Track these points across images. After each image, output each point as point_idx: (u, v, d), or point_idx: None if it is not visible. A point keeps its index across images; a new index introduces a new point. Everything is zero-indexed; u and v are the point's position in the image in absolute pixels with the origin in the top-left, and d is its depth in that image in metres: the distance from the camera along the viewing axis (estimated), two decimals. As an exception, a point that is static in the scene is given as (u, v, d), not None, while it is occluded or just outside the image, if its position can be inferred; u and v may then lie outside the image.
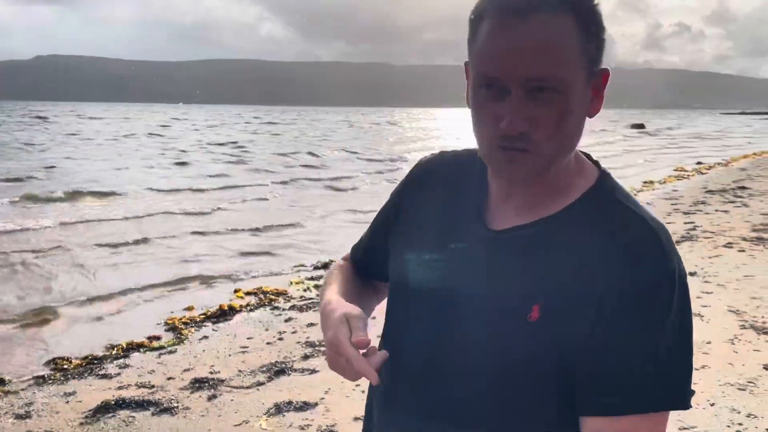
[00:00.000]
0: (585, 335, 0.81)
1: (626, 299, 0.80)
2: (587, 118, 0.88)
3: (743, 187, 13.48)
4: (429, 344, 0.92)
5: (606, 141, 34.39)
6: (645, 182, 15.04)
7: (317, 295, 6.25)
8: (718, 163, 20.72)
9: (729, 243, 7.72)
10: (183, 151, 26.42)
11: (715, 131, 52.13)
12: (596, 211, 0.87)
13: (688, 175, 16.84)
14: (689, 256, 7.04)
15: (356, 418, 3.58)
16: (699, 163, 20.74)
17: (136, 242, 8.85)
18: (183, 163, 21.32)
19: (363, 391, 3.93)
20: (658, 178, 15.83)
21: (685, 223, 9.20)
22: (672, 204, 11.13)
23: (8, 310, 5.87)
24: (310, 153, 26.21)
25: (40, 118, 61.59)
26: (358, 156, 25.62)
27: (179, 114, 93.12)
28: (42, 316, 5.73)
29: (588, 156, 0.96)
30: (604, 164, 0.96)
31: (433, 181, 1.03)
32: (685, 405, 0.84)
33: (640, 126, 58.03)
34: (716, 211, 10.36)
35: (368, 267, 1.15)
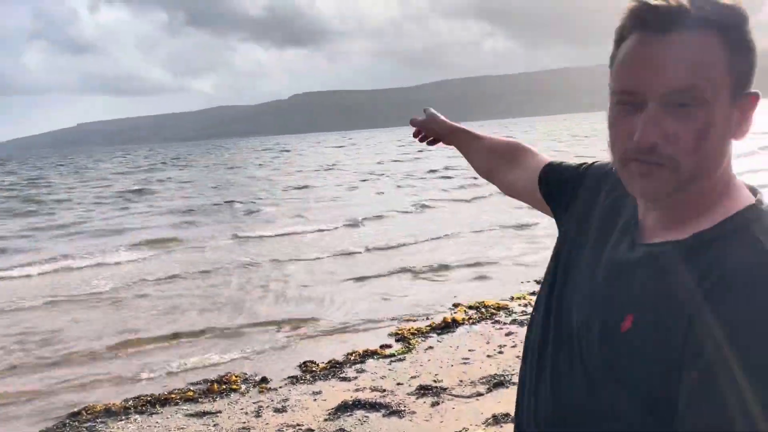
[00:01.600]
0: (673, 362, 0.77)
1: (705, 341, 0.73)
2: (733, 141, 0.85)
3: None
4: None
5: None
6: None
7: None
8: None
9: None
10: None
11: None
12: (717, 239, 0.81)
13: None
14: None
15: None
16: None
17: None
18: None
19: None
20: None
21: None
22: None
23: (269, 320, 6.88)
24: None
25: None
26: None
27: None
28: (294, 324, 6.62)
29: (751, 188, 0.90)
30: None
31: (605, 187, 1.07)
32: None
33: None
34: None
35: (543, 178, 1.24)
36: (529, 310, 6.31)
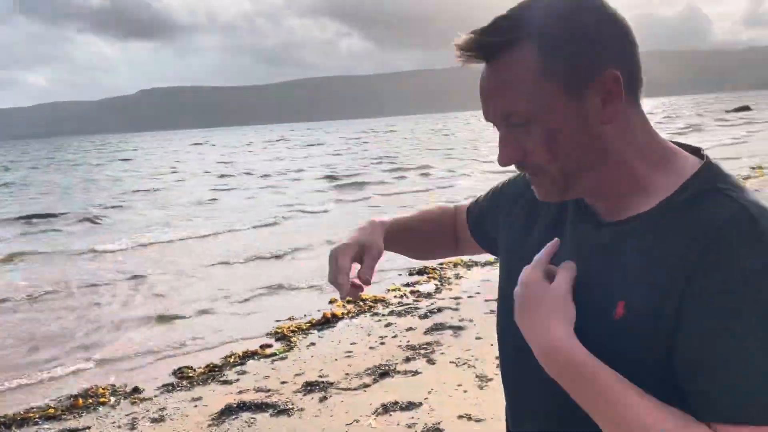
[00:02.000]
0: (670, 334, 0.77)
1: (710, 297, 0.74)
2: (622, 126, 0.85)
3: None
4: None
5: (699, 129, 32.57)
6: (753, 168, 14.19)
7: (414, 300, 6.44)
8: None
9: None
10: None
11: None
12: (689, 203, 0.82)
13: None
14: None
15: (460, 416, 3.71)
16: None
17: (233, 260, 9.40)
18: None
19: (465, 391, 4.07)
20: None
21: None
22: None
23: (137, 325, 6.44)
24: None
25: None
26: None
27: (286, 133, 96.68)
28: (163, 325, 6.26)
29: (693, 148, 0.91)
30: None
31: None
32: None
33: (745, 108, 54.32)
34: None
35: (476, 223, 1.24)
36: (405, 300, 6.47)
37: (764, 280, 0.73)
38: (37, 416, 4.34)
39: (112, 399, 4.58)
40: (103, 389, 4.73)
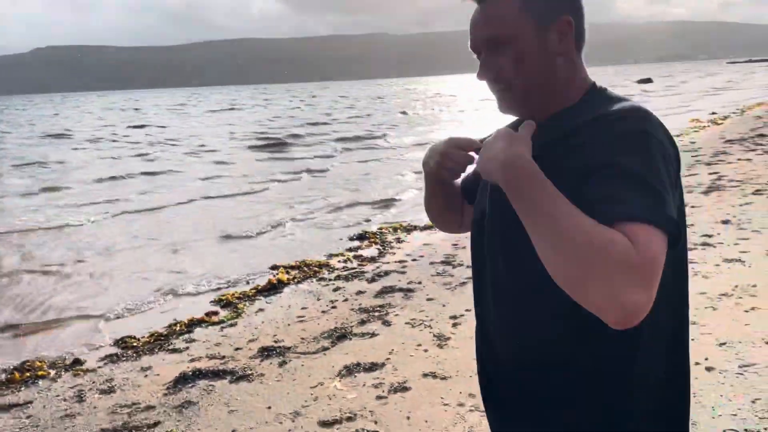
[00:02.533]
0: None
1: (611, 142, 1.03)
2: (569, 60, 1.15)
3: (762, 135, 13.45)
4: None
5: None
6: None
7: (359, 265, 6.42)
8: (733, 113, 20.59)
9: (758, 190, 7.79)
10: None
11: (727, 81, 51.40)
12: (593, 102, 1.14)
13: (704, 127, 16.78)
14: (720, 205, 7.13)
15: (425, 375, 3.76)
16: (713, 113, 20.62)
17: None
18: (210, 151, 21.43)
19: (426, 350, 4.12)
20: (674, 133, 15.80)
21: (710, 174, 9.26)
22: (693, 156, 11.17)
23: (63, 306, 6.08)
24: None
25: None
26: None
27: (192, 97, 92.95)
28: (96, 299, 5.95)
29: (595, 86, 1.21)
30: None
31: None
32: (667, 225, 0.95)
33: (647, 80, 57.35)
34: (739, 160, 10.40)
35: (465, 191, 1.45)
36: (350, 265, 6.45)
37: (642, 132, 1.04)
38: (-30, 393, 4.04)
39: (52, 372, 4.32)
40: (39, 362, 4.45)
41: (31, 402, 3.87)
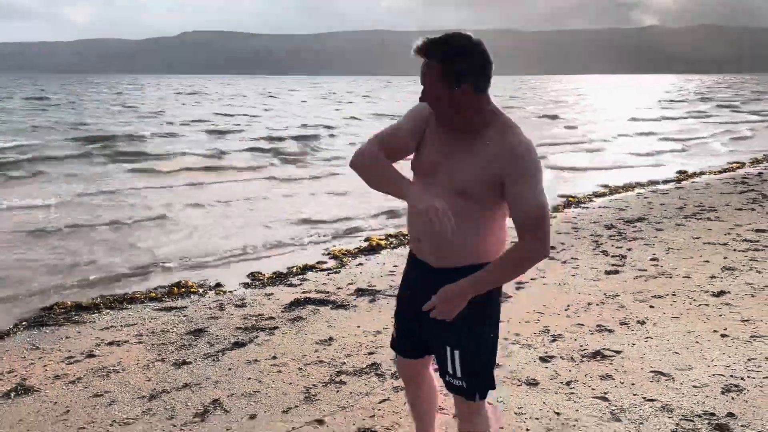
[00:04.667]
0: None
1: (514, 166, 1.95)
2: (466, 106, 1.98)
3: None
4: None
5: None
6: None
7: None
8: None
9: None
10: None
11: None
12: (497, 130, 2.02)
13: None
14: None
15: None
16: None
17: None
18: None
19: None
20: None
21: None
22: None
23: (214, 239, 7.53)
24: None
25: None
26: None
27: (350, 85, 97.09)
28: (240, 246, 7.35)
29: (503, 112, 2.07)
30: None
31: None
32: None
33: None
34: None
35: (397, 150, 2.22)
36: (441, 238, 7.41)
37: (533, 162, 1.97)
38: (143, 297, 5.44)
39: (200, 290, 5.65)
40: (192, 282, 5.82)
41: (185, 307, 5.19)
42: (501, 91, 66.47)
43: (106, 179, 12.55)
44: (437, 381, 2.44)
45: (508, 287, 5.34)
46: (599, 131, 23.15)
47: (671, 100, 46.83)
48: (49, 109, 35.86)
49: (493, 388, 2.20)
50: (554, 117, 30.46)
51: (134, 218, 8.82)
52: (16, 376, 3.83)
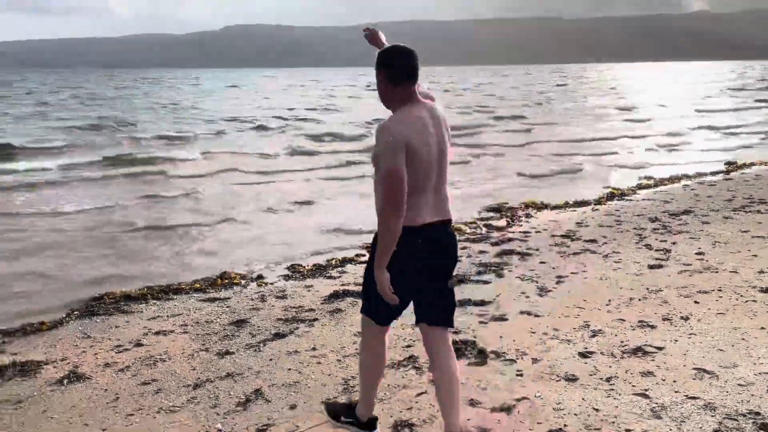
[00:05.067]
0: None
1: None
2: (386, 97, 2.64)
3: None
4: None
5: None
6: None
7: (487, 232, 7.32)
8: None
9: None
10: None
11: None
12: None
13: None
14: None
15: (521, 312, 4.64)
16: None
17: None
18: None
19: (528, 297, 4.97)
20: None
21: None
22: None
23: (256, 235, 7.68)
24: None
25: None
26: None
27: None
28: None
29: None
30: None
31: None
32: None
33: None
34: None
35: None
36: (479, 231, 7.38)
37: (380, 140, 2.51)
38: (188, 288, 5.60)
39: (242, 282, 5.78)
40: (235, 274, 5.95)
41: (228, 298, 5.32)
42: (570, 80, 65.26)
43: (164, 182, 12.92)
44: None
45: (548, 281, 5.30)
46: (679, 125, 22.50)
47: (737, 89, 45.00)
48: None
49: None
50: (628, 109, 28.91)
51: (206, 221, 9.06)
52: (68, 363, 4.01)
